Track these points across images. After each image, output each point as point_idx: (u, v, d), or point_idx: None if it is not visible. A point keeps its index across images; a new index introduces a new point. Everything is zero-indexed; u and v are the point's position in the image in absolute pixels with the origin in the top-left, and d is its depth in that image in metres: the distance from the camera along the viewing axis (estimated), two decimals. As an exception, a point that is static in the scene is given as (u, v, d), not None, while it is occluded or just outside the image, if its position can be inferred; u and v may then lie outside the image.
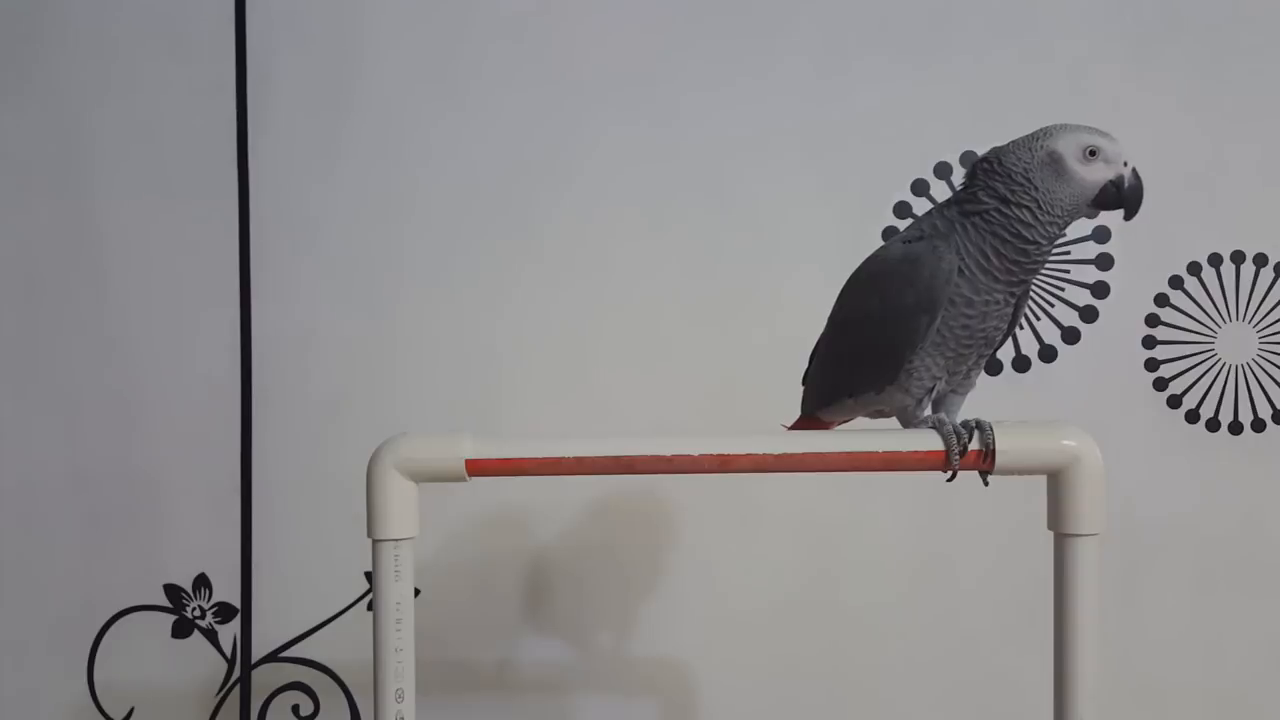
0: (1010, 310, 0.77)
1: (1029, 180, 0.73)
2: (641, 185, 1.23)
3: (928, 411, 0.80)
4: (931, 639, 1.22)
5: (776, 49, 1.22)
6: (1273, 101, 1.20)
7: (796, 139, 1.22)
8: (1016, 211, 0.73)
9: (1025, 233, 0.73)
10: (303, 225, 1.24)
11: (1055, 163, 0.73)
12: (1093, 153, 0.73)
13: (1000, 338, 0.79)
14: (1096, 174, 0.73)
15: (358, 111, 1.24)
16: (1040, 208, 0.73)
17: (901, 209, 1.22)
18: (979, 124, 1.21)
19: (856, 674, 1.23)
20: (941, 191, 1.21)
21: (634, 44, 1.23)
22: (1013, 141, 0.75)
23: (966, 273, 0.74)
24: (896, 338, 0.75)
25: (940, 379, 0.78)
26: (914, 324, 0.74)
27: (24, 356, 1.26)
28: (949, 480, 0.75)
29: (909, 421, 0.80)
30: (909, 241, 0.77)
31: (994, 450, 0.71)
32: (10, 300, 1.26)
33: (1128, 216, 0.76)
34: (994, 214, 0.74)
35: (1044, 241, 0.74)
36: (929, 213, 0.79)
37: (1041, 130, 0.75)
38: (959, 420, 0.74)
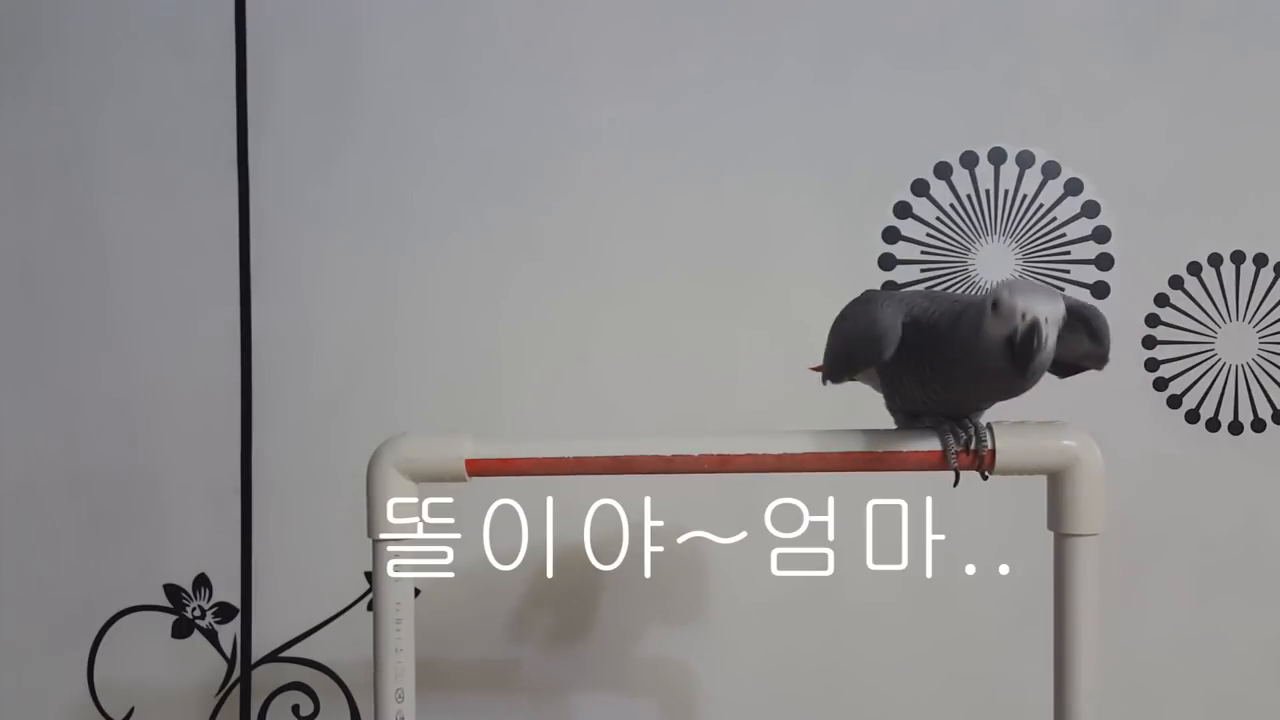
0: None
1: (953, 325, 0.70)
2: (641, 186, 1.23)
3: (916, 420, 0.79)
4: (931, 639, 1.22)
5: (777, 49, 1.22)
6: (1273, 101, 1.20)
7: (797, 139, 1.22)
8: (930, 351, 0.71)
9: (931, 370, 0.72)
10: (303, 225, 1.24)
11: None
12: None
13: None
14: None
15: (358, 111, 1.24)
16: (945, 356, 0.70)
17: (901, 209, 1.21)
18: (980, 125, 1.21)
19: (856, 673, 1.23)
20: (941, 191, 1.21)
21: (634, 43, 1.23)
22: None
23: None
24: (841, 355, 0.80)
25: (920, 400, 0.77)
26: (854, 351, 0.77)
27: (24, 356, 1.26)
28: (954, 486, 0.75)
29: (898, 424, 0.81)
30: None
31: (977, 453, 0.72)
32: (10, 300, 1.26)
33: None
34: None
35: (952, 385, 0.71)
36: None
37: None
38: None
